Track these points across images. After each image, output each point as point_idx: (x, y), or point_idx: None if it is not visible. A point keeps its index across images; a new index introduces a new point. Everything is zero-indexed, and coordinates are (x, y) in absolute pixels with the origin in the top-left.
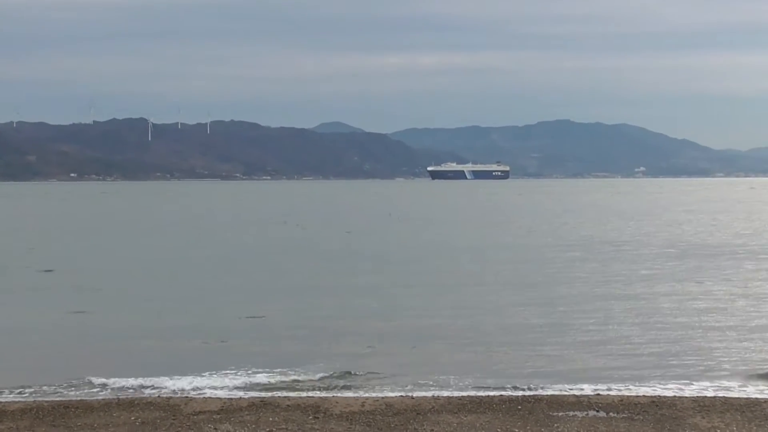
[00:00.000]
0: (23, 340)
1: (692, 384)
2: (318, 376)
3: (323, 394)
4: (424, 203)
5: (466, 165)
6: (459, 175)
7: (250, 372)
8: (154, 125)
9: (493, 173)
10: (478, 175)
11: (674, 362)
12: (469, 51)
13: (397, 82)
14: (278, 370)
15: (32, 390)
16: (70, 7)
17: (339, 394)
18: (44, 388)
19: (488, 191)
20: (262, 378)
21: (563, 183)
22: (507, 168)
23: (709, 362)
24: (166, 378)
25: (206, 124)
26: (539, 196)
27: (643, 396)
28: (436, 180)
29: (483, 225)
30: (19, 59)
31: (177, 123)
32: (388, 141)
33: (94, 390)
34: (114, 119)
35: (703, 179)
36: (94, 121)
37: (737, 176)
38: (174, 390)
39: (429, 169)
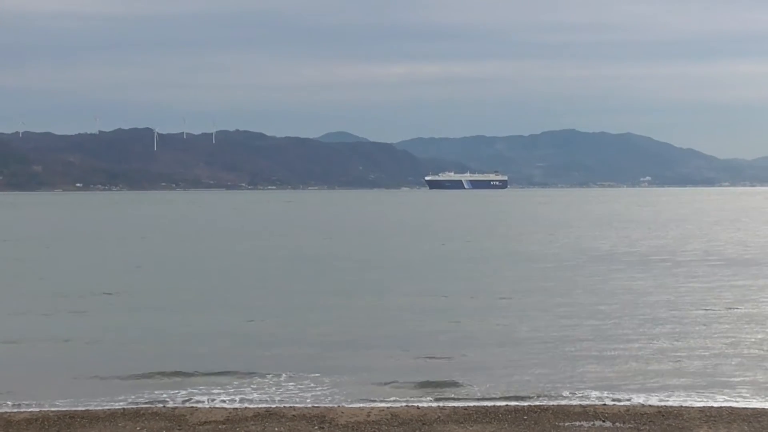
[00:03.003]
0: (27, 350)
1: (699, 394)
2: (323, 386)
3: (328, 404)
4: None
5: (464, 174)
6: (457, 184)
7: (255, 382)
8: (160, 135)
9: (491, 183)
10: (476, 184)
11: (681, 372)
12: (472, 60)
13: (402, 92)
14: (283, 380)
15: (37, 400)
16: (76, 16)
17: (344, 404)
18: (49, 397)
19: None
20: (267, 388)
21: (561, 192)
22: (505, 177)
23: (715, 372)
24: (172, 388)
25: (212, 133)
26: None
27: (650, 406)
28: (433, 190)
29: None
30: (24, 69)
31: (182, 133)
32: (393, 150)
33: (100, 400)
34: (119, 129)
35: (709, 189)
36: (99, 131)
37: (743, 185)
38: (179, 400)
39: (426, 178)
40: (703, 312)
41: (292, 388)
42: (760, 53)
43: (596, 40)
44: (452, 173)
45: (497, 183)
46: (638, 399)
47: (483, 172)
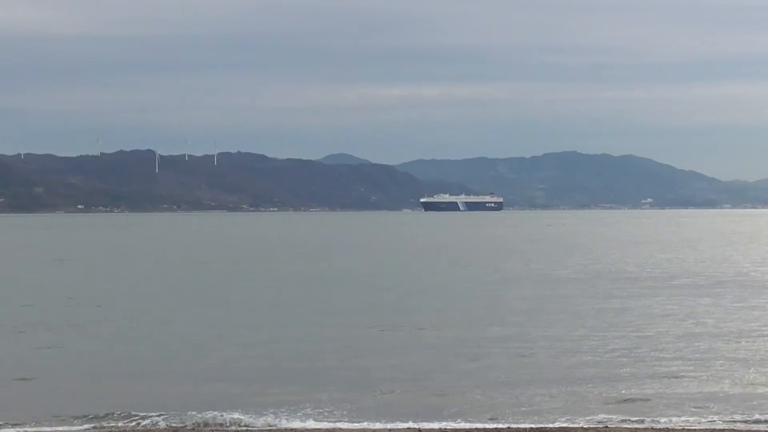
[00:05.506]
0: (26, 374)
1: (702, 416)
2: (322, 409)
3: (329, 426)
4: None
5: (459, 196)
6: (452, 206)
7: (258, 405)
8: (161, 157)
9: (487, 204)
10: (471, 206)
11: (684, 393)
12: (472, 82)
13: (403, 114)
14: (285, 402)
15: (32, 423)
16: (76, 39)
17: (346, 426)
18: (42, 422)
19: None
20: (268, 411)
21: (557, 214)
22: (500, 199)
23: (719, 393)
24: (174, 409)
25: (213, 155)
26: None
27: (652, 428)
28: (429, 212)
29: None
30: (26, 91)
31: (184, 155)
32: (395, 172)
33: (104, 423)
34: (121, 151)
35: (712, 211)
36: (101, 153)
37: (744, 207)
38: (182, 422)
39: (422, 200)
40: (708, 333)
41: (293, 410)
42: (762, 75)
43: (597, 62)
44: (447, 195)
45: (492, 205)
46: (643, 419)
47: (482, 194)
